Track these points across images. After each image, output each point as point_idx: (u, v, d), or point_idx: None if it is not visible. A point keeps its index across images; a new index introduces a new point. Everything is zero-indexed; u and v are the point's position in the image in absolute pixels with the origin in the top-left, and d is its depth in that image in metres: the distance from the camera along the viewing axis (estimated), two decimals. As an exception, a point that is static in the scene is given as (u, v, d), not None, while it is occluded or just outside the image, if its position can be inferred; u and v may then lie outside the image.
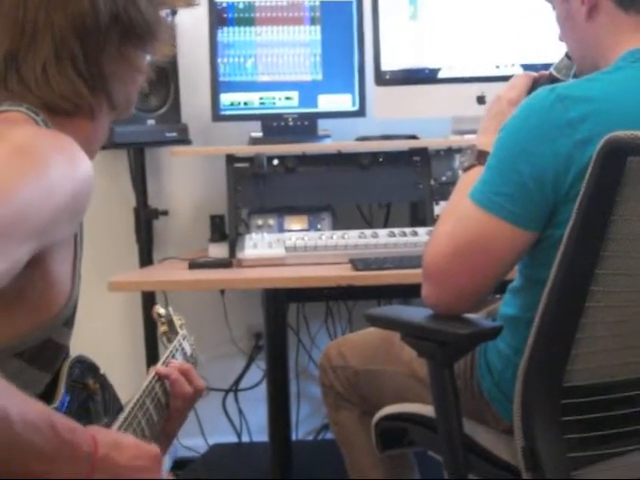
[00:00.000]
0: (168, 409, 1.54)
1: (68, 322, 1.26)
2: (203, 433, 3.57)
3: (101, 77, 1.31)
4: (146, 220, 3.43)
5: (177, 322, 1.83)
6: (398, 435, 2.17)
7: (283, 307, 2.98)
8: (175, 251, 3.30)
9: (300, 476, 3.04)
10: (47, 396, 1.22)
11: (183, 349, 1.74)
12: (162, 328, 1.82)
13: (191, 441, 3.53)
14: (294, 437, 3.37)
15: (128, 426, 1.34)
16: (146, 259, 3.41)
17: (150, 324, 3.35)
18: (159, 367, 1.56)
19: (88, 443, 1.08)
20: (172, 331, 1.81)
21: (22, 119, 1.23)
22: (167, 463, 3.38)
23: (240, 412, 3.63)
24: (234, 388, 3.61)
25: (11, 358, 1.17)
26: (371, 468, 2.35)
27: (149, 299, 3.33)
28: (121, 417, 1.34)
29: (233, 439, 3.64)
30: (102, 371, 1.37)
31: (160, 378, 1.54)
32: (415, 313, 1.89)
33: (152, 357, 3.33)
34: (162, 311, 1.83)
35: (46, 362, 1.24)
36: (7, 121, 1.22)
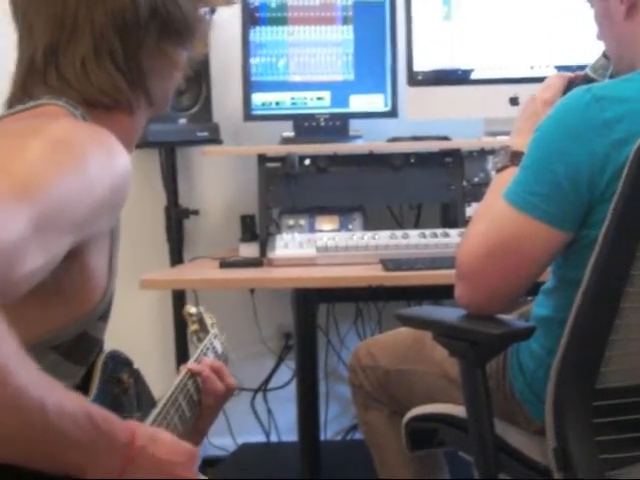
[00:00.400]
0: (200, 406, 1.55)
1: (103, 316, 1.27)
2: (232, 432, 3.57)
3: (139, 72, 1.31)
4: (177, 219, 3.44)
5: (208, 321, 1.83)
6: (428, 435, 2.17)
7: (313, 307, 2.97)
8: (205, 250, 3.31)
9: (329, 476, 3.03)
10: (81, 390, 1.22)
11: (214, 347, 1.74)
12: (193, 327, 1.82)
13: (220, 440, 3.53)
14: (323, 437, 3.36)
15: (161, 421, 1.34)
16: (176, 258, 3.42)
17: (180, 323, 3.36)
18: (191, 364, 1.56)
19: (125, 435, 1.08)
20: (203, 330, 1.81)
21: (61, 113, 1.23)
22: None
23: (269, 412, 3.63)
24: (263, 388, 3.61)
25: (47, 351, 1.17)
26: (400, 468, 2.34)
27: (179, 298, 3.34)
28: (154, 412, 1.34)
29: (262, 439, 3.64)
30: (136, 366, 1.37)
31: (192, 375, 1.54)
32: (447, 313, 1.89)
33: (182, 355, 3.34)
34: (193, 310, 1.83)
35: (81, 356, 1.24)
36: (46, 114, 1.22)
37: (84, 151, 1.11)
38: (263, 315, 3.53)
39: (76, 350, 1.22)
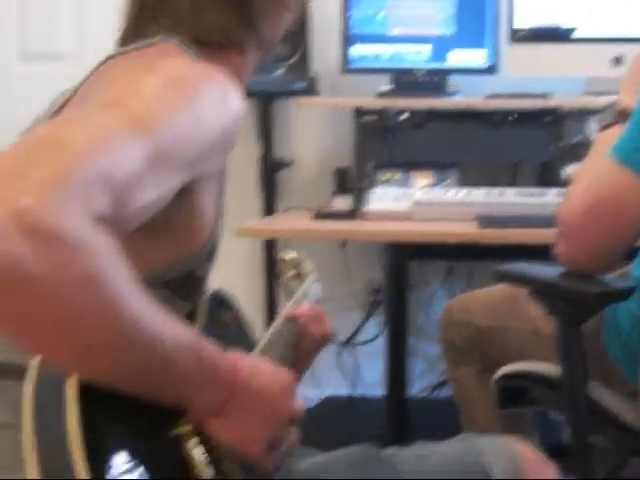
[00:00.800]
0: (297, 350, 1.55)
1: (210, 256, 1.28)
2: (317, 385, 3.59)
3: (250, 11, 1.31)
4: (271, 170, 3.45)
5: (306, 267, 1.84)
6: (518, 393, 2.15)
7: (405, 263, 2.96)
8: (298, 202, 3.32)
9: (413, 433, 3.03)
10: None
11: (312, 293, 1.75)
12: (290, 272, 1.83)
13: (305, 392, 3.55)
14: (408, 394, 3.36)
15: None
16: (269, 209, 3.44)
17: (270, 272, 3.38)
18: (290, 308, 1.57)
19: (230, 367, 1.09)
20: (301, 275, 1.81)
21: (175, 51, 1.23)
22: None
23: (355, 366, 3.64)
24: (350, 341, 3.62)
25: (156, 286, 1.18)
26: (488, 425, 2.33)
27: (270, 248, 3.36)
28: (254, 353, 1.35)
29: (346, 392, 3.66)
30: (238, 306, 1.38)
31: (291, 319, 1.55)
32: (546, 270, 1.86)
33: (271, 304, 3.36)
34: (291, 255, 1.84)
35: (187, 293, 1.25)
36: (160, 52, 1.22)
37: (198, 89, 1.11)
38: (353, 269, 3.54)
39: (183, 287, 1.24)
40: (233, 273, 3.56)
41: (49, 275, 0.85)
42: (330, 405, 3.58)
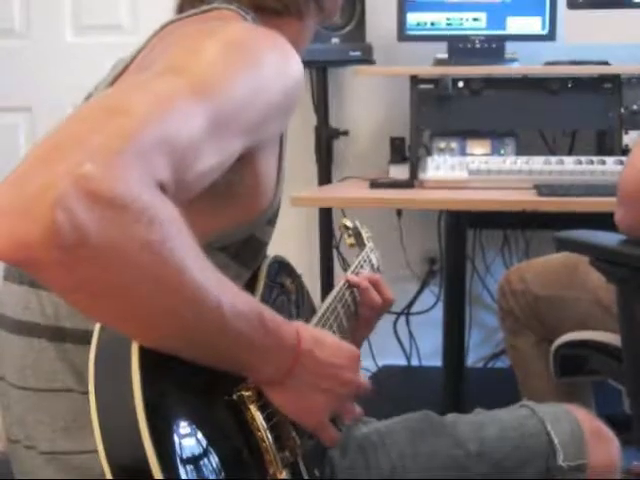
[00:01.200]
0: (357, 317, 1.55)
1: (271, 221, 1.28)
2: (373, 354, 3.59)
3: None
4: (327, 139, 3.44)
5: (365, 235, 1.83)
6: (577, 363, 2.14)
7: (462, 231, 2.94)
8: (353, 171, 3.31)
9: (471, 402, 3.02)
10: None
11: (371, 261, 1.74)
12: (349, 240, 1.83)
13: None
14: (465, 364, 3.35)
15: (321, 328, 1.34)
16: (325, 178, 3.43)
17: (326, 241, 3.38)
18: (349, 275, 1.56)
19: (292, 336, 1.09)
20: (359, 243, 1.81)
21: (234, 16, 1.23)
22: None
23: (410, 335, 3.64)
24: (406, 311, 3.61)
25: (217, 252, 1.18)
26: (546, 394, 2.32)
27: (326, 217, 3.35)
28: (314, 319, 1.35)
29: (402, 362, 3.65)
30: (299, 272, 1.38)
31: (350, 286, 1.54)
32: (607, 237, 1.84)
33: (327, 273, 3.36)
34: (350, 223, 1.83)
35: (248, 259, 1.26)
36: (219, 18, 1.22)
37: (259, 54, 1.10)
38: (409, 239, 3.52)
39: (244, 252, 1.24)
40: (290, 241, 3.56)
41: (112, 241, 0.85)
42: (386, 374, 3.58)
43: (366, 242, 1.80)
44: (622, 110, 2.97)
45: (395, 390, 3.41)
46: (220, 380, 1.06)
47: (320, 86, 3.39)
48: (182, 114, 0.95)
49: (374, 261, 1.75)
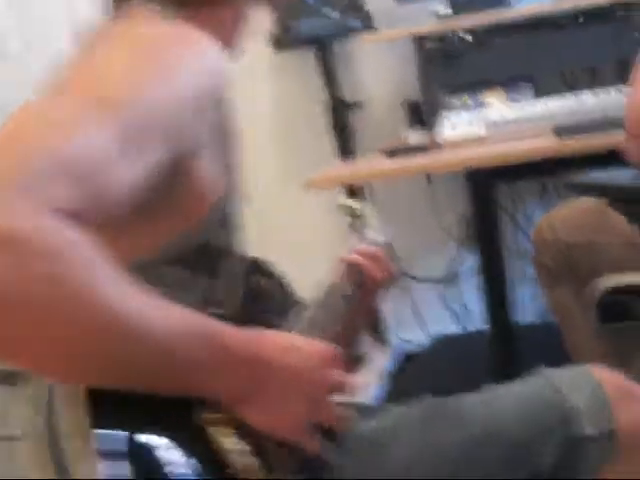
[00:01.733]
0: (358, 296, 1.46)
1: (224, 223, 1.21)
2: (423, 326, 3.50)
3: None
4: (341, 114, 3.35)
5: (366, 212, 1.75)
6: (619, 308, 2.05)
7: (490, 188, 2.83)
8: (374, 142, 3.21)
9: (523, 361, 2.92)
10: (217, 303, 1.17)
11: (373, 238, 1.65)
12: (350, 219, 1.75)
13: (412, 335, 3.48)
14: (519, 321, 3.24)
15: (311, 327, 1.26)
16: (346, 152, 3.34)
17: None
18: (347, 255, 1.50)
19: (252, 349, 1.02)
20: (361, 221, 1.73)
21: (148, 17, 1.16)
22: (387, 362, 3.35)
23: (459, 301, 3.54)
24: (449, 277, 3.51)
25: (171, 266, 1.13)
26: (590, 343, 2.24)
27: (353, 194, 3.27)
28: (307, 313, 1.28)
29: (455, 330, 3.56)
30: (278, 272, 1.29)
31: (348, 265, 1.48)
32: (619, 174, 1.73)
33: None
34: (348, 201, 1.76)
35: (209, 267, 1.19)
36: (131, 18, 1.16)
37: (167, 57, 1.04)
38: (441, 202, 3.42)
39: (202, 262, 1.18)
40: (319, 224, 3.48)
41: (7, 280, 0.78)
42: (440, 344, 3.50)
43: (368, 219, 1.72)
44: (637, 34, 2.84)
45: (450, 358, 3.34)
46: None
47: (326, 62, 3.32)
48: (86, 132, 0.89)
49: (378, 238, 1.66)
